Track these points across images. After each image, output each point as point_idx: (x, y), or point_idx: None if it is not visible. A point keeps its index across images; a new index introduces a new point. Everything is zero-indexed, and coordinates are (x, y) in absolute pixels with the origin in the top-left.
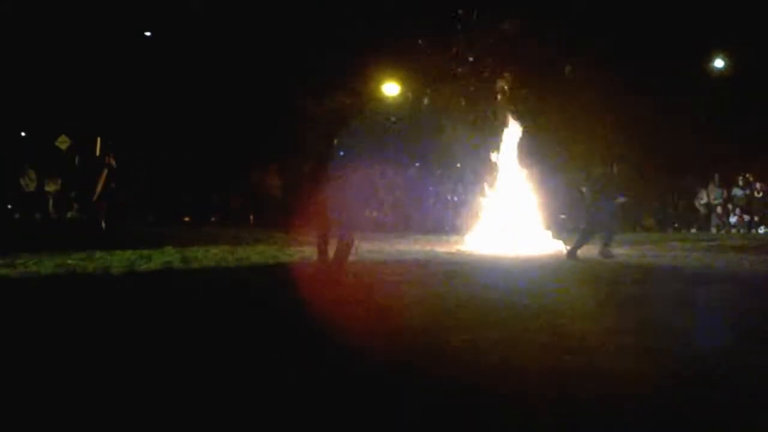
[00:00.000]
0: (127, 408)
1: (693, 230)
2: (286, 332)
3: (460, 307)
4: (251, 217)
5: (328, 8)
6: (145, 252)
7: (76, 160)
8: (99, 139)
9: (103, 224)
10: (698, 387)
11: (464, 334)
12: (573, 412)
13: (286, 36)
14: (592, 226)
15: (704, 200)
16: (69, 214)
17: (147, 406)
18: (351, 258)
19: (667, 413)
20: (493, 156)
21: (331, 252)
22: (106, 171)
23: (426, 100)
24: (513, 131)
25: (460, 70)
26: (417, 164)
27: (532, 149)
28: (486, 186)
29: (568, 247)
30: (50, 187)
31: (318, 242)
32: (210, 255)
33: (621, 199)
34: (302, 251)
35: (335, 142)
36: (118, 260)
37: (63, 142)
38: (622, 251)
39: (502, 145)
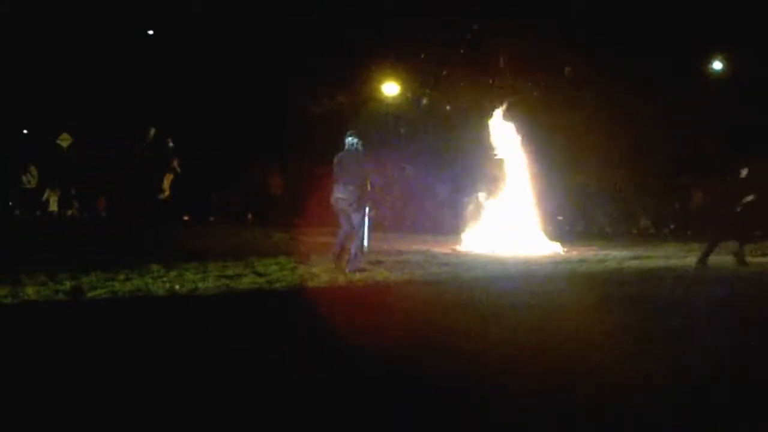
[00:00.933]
0: (129, 407)
1: (689, 232)
2: (286, 332)
3: (456, 309)
4: (250, 217)
5: (328, 8)
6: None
7: (136, 148)
8: (153, 131)
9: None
10: (691, 387)
11: (460, 336)
12: (570, 413)
13: (285, 36)
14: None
15: None
16: (69, 212)
17: (148, 405)
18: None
19: (661, 412)
20: (491, 156)
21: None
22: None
23: (425, 100)
24: (511, 132)
25: (458, 70)
26: (410, 167)
27: (530, 150)
28: (483, 186)
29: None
30: (51, 197)
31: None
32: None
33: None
34: (299, 253)
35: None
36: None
37: (64, 140)
38: (616, 253)
39: (500, 146)
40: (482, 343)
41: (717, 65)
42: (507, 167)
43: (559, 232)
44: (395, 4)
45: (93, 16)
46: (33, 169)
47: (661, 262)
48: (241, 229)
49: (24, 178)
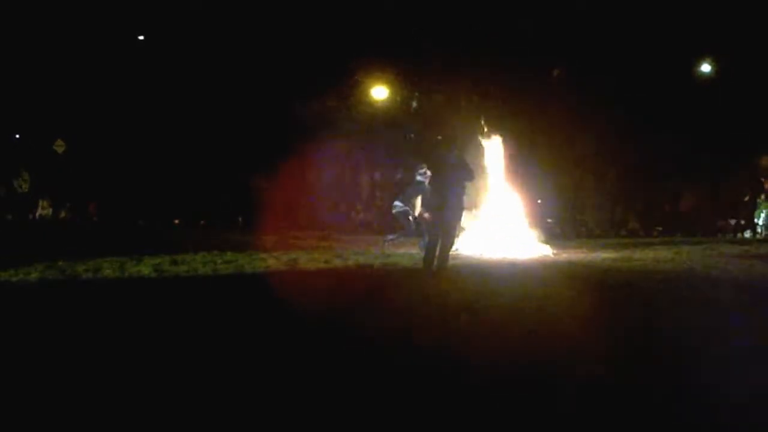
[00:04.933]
0: (127, 407)
1: (677, 233)
2: (285, 330)
3: (450, 309)
4: (240, 220)
5: (319, 13)
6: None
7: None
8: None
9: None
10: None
11: (456, 337)
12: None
13: (277, 40)
14: None
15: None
16: (62, 214)
17: (146, 405)
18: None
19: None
20: (481, 160)
21: None
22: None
23: (414, 104)
24: (502, 136)
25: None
26: (401, 171)
27: (520, 154)
28: (473, 190)
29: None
30: (44, 210)
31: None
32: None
33: None
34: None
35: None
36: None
37: (59, 146)
38: (606, 255)
39: (490, 150)
40: (476, 345)
41: (705, 68)
42: (496, 171)
43: (548, 235)
44: (391, 7)
45: (87, 19)
46: (25, 174)
47: (651, 265)
48: (236, 233)
49: (15, 183)
